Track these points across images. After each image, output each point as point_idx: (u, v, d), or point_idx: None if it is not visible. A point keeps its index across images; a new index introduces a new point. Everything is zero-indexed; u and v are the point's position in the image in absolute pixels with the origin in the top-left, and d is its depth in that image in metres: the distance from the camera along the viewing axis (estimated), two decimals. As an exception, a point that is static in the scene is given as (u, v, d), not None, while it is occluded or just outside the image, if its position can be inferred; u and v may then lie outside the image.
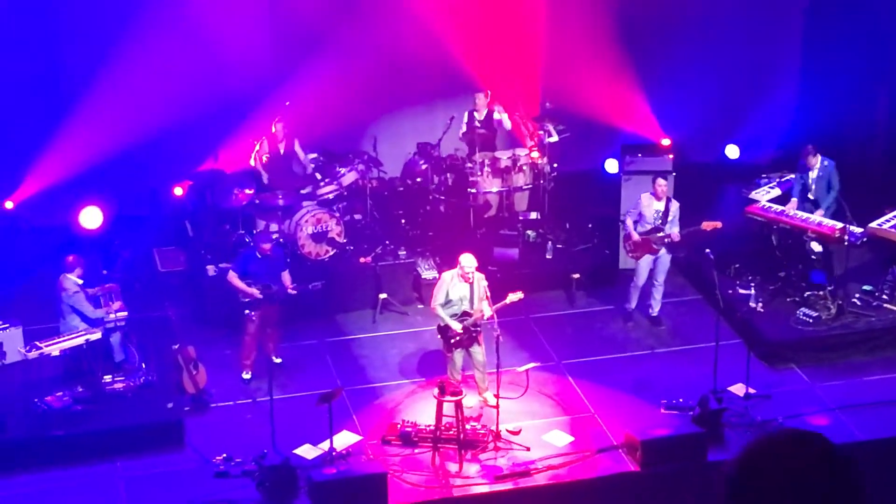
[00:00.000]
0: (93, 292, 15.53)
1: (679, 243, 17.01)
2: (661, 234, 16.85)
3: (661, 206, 16.87)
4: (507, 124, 18.95)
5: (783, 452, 3.52)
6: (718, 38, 20.74)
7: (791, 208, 17.56)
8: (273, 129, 18.26)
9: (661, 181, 16.89)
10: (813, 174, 17.54)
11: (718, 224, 16.80)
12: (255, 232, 17.60)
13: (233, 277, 15.88)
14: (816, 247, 17.44)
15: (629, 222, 17.05)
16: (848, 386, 16.01)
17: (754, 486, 3.51)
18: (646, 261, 17.02)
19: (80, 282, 15.38)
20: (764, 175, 19.41)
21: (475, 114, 18.91)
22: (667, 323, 17.42)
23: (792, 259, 17.58)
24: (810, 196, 17.59)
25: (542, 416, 15.47)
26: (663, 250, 16.97)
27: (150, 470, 14.48)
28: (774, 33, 21.08)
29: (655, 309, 17.32)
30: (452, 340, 15.21)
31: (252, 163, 18.35)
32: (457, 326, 15.11)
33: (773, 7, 20.99)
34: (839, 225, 16.94)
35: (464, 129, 18.91)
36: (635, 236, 16.98)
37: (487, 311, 15.06)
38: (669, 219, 16.83)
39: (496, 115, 18.91)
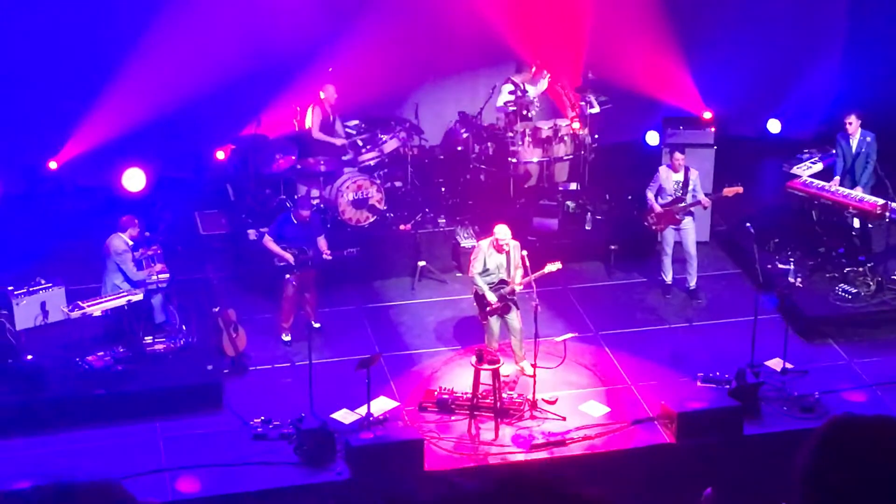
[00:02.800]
0: (138, 255, 15.64)
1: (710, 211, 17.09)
2: (683, 203, 16.89)
3: (679, 176, 16.97)
4: (542, 88, 18.80)
5: (864, 434, 3.52)
6: (762, 10, 20.60)
7: (833, 184, 17.51)
8: (322, 96, 18.25)
9: (678, 155, 17.03)
10: (853, 144, 17.44)
11: (740, 189, 16.89)
12: (296, 197, 17.67)
13: (268, 241, 15.99)
14: (857, 223, 17.42)
15: (650, 195, 17.12)
16: (885, 362, 15.99)
17: (833, 467, 3.51)
18: (669, 232, 17.10)
19: (131, 243, 15.51)
20: (806, 150, 19.34)
21: (520, 85, 18.83)
22: (705, 296, 17.41)
23: (832, 235, 17.53)
24: (852, 171, 17.49)
25: (579, 386, 15.52)
26: (687, 220, 17.03)
27: (189, 431, 14.63)
28: (819, 5, 20.92)
29: (692, 282, 17.33)
30: (488, 308, 15.28)
31: (305, 125, 18.37)
32: (492, 298, 15.18)
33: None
34: (881, 201, 16.88)
35: (509, 96, 18.70)
36: (657, 208, 17.06)
37: (518, 282, 15.12)
38: (690, 187, 16.93)
39: (534, 88, 18.79)
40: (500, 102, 18.62)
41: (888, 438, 3.51)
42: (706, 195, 17.11)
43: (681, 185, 16.97)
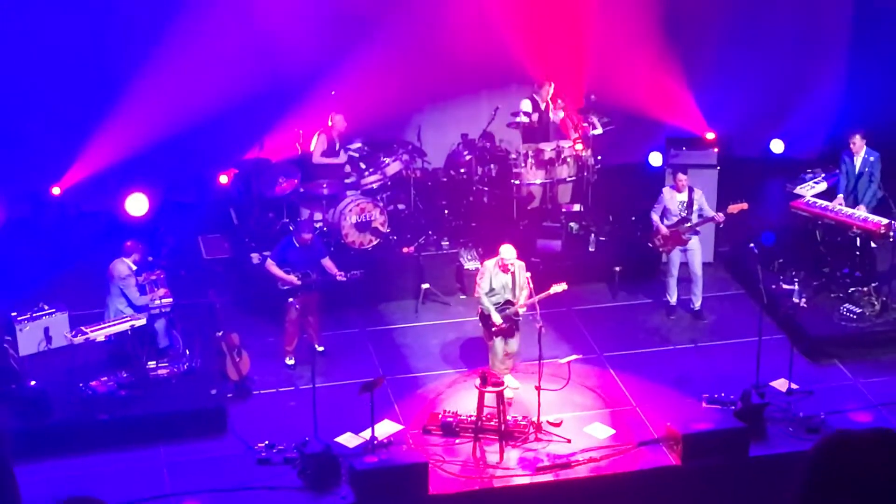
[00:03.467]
0: (141, 280, 15.63)
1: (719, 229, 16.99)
2: (690, 223, 16.83)
3: (684, 197, 16.93)
4: (557, 120, 18.89)
5: (863, 448, 3.52)
6: (765, 31, 20.63)
7: (836, 204, 17.48)
8: (330, 123, 18.26)
9: (681, 176, 16.95)
10: (857, 163, 17.40)
11: (744, 205, 16.80)
12: (298, 221, 17.66)
13: (271, 265, 15.97)
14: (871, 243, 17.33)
15: (655, 217, 17.07)
16: (891, 382, 15.93)
17: (833, 479, 3.50)
18: (676, 253, 17.04)
19: (134, 268, 15.51)
20: (809, 170, 19.32)
21: (540, 104, 18.84)
22: (709, 317, 17.37)
23: (836, 255, 17.49)
24: (856, 191, 17.45)
25: (584, 408, 15.48)
26: (694, 240, 16.97)
27: (193, 456, 14.58)
28: (822, 26, 20.93)
29: (697, 303, 17.29)
30: (493, 329, 15.26)
31: (311, 148, 18.39)
32: (497, 319, 15.16)
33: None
34: (884, 221, 16.84)
35: (524, 119, 18.71)
36: (664, 230, 16.99)
37: (521, 303, 15.11)
38: (695, 207, 16.86)
39: (553, 113, 18.78)
40: (522, 112, 18.66)
41: (882, 451, 3.51)
42: (718, 212, 16.96)
43: (686, 205, 16.94)
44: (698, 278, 17.15)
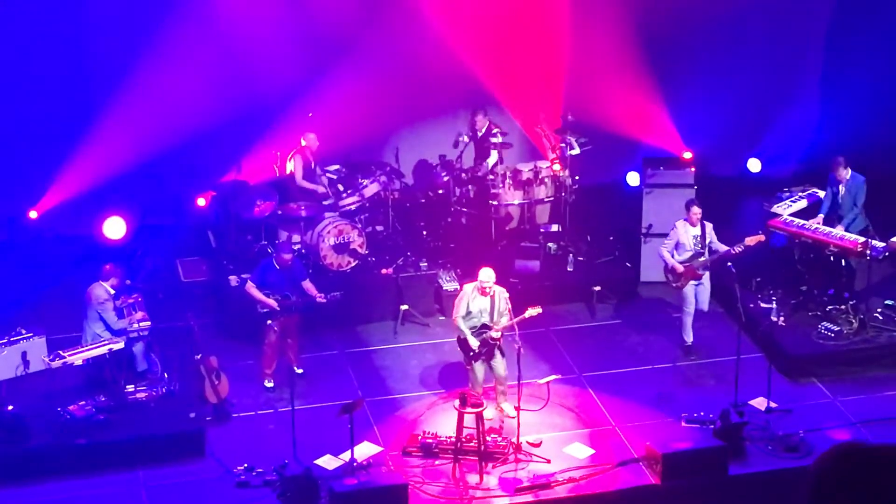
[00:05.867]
0: (119, 304, 15.60)
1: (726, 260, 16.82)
2: (704, 258, 16.60)
3: (697, 230, 16.59)
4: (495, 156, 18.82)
5: (864, 460, 3.53)
6: (741, 51, 20.72)
7: (814, 222, 17.50)
8: (303, 143, 18.27)
9: (695, 209, 16.54)
10: (842, 187, 17.44)
11: (762, 237, 16.56)
12: (277, 242, 17.65)
13: (251, 288, 15.95)
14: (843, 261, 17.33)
15: (665, 253, 16.72)
16: (869, 400, 15.98)
17: (836, 490, 3.51)
18: (690, 287, 16.74)
19: (113, 292, 15.48)
20: (786, 189, 19.36)
21: (478, 132, 18.90)
22: (697, 356, 17.14)
23: (814, 273, 17.53)
24: (840, 213, 17.48)
25: (563, 428, 15.48)
26: (706, 275, 16.76)
27: (172, 479, 14.53)
28: (797, 47, 21.05)
29: (690, 338, 17.04)
30: (471, 353, 15.25)
31: (286, 171, 18.39)
32: (474, 343, 15.15)
33: (795, 21, 20.95)
34: (861, 239, 16.88)
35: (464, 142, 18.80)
36: (679, 267, 16.62)
37: (498, 331, 15.09)
38: (708, 241, 16.61)
39: (494, 133, 18.78)
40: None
41: (883, 462, 3.53)
42: (735, 245, 16.66)
43: (699, 238, 16.62)
44: (703, 313, 16.97)
